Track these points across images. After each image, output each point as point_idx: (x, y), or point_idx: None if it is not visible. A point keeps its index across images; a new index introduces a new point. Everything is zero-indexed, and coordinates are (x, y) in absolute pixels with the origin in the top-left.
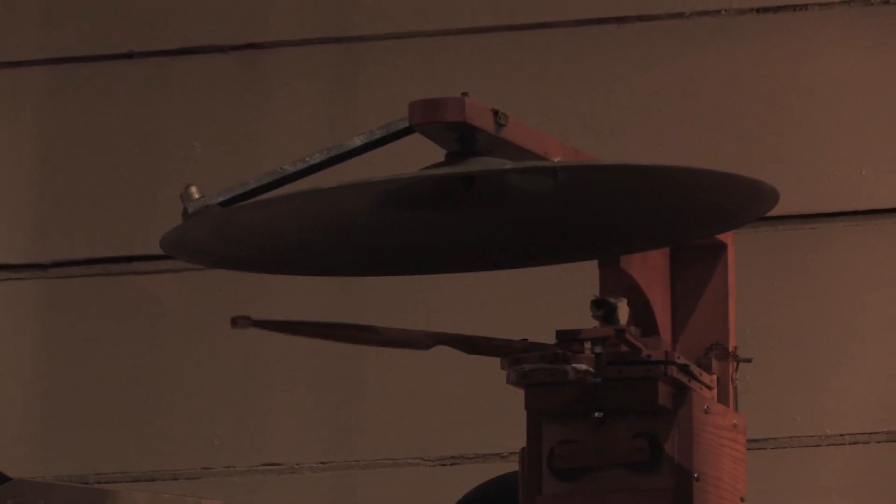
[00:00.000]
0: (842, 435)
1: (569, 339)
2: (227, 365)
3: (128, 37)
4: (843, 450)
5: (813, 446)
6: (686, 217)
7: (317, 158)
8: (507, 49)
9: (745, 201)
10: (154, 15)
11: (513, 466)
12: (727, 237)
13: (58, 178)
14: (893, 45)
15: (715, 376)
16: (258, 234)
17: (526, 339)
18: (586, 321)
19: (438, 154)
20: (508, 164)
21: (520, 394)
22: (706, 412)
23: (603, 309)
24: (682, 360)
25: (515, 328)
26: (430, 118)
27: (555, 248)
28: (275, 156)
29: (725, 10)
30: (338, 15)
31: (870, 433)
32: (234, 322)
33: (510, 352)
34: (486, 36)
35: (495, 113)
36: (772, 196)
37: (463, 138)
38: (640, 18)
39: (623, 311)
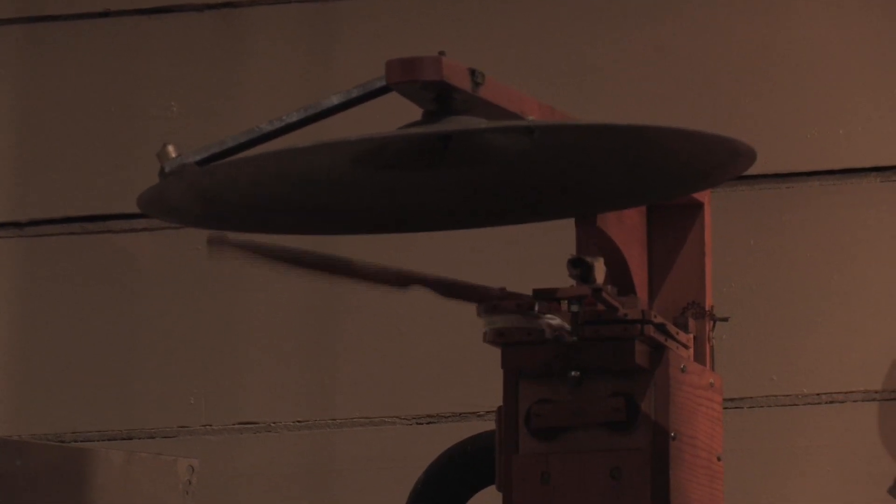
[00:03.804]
0: (818, 394)
1: (545, 299)
2: (203, 324)
3: None
4: (819, 409)
5: (789, 406)
6: (663, 176)
7: (294, 117)
8: (485, 8)
9: (722, 160)
10: None
11: (489, 425)
12: (704, 196)
13: (34, 138)
14: (870, 5)
15: (692, 335)
16: (235, 193)
17: (503, 288)
18: (563, 280)
19: (416, 113)
20: (484, 124)
21: (497, 353)
22: (683, 371)
23: (580, 268)
24: (658, 320)
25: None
26: (407, 77)
27: (532, 207)
28: (252, 115)
29: None
30: None
31: (846, 392)
32: (211, 241)
33: (486, 298)
34: None
35: (472, 72)
36: (749, 155)
37: (440, 97)
38: None
39: (600, 271)
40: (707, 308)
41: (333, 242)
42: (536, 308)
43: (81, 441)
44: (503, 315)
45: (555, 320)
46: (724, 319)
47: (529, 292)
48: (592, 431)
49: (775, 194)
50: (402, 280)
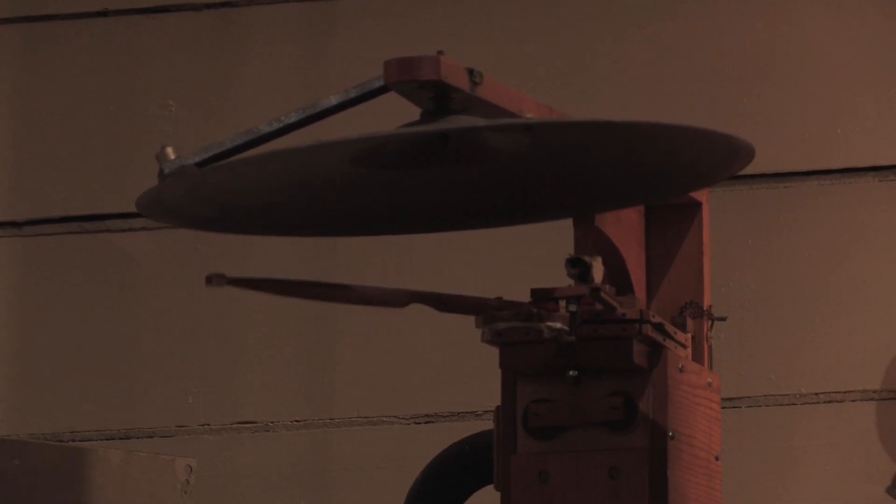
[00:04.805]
0: (816, 394)
1: (543, 298)
2: (201, 323)
3: None
4: (817, 408)
5: (787, 405)
6: (661, 175)
7: (292, 118)
8: (484, 8)
9: (721, 158)
10: None
11: (487, 425)
12: (702, 195)
13: (32, 137)
14: (869, 5)
15: (690, 335)
16: (234, 195)
17: (500, 298)
18: (561, 280)
19: (414, 113)
20: (481, 122)
21: (495, 352)
22: (681, 371)
23: (578, 267)
24: (656, 319)
25: (491, 287)
26: (406, 77)
27: (530, 206)
28: (250, 115)
29: None
30: None
31: (844, 392)
32: (209, 280)
33: (484, 310)
34: None
35: (470, 72)
36: (747, 153)
37: (438, 97)
38: None
39: (598, 270)
40: (705, 307)
41: (333, 243)
42: (535, 315)
43: (80, 440)
44: (504, 323)
45: (555, 325)
46: (722, 319)
47: (527, 292)
48: (591, 431)
49: (773, 194)
50: (399, 299)
